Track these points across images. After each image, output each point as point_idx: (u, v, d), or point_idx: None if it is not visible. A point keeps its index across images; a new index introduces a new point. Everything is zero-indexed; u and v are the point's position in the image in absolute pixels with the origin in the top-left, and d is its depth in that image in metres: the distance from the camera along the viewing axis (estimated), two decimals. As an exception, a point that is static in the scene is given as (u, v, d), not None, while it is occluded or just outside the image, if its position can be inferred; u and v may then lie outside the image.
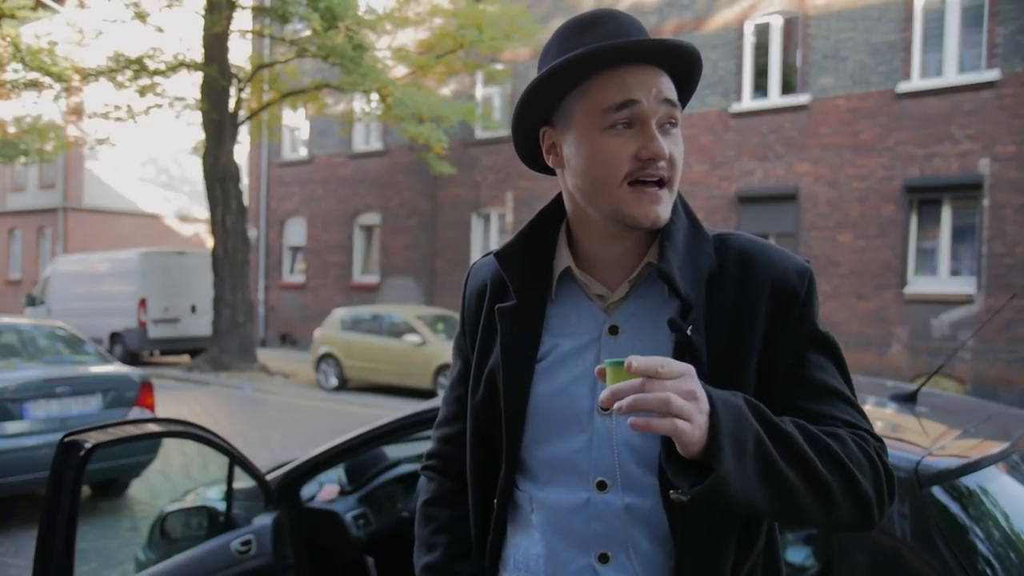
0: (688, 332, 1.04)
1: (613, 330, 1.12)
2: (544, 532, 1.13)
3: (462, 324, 1.29)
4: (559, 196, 1.21)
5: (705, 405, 0.90)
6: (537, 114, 1.14)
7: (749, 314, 1.07)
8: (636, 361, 0.88)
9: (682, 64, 1.08)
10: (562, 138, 1.12)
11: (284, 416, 10.33)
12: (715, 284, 1.10)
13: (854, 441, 1.02)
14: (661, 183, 1.06)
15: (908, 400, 2.22)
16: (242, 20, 15.61)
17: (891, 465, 1.05)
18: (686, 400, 0.88)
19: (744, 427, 0.92)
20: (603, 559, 1.08)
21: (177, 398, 11.27)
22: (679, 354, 1.04)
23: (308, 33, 13.57)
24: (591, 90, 1.06)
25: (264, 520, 2.61)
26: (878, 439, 1.05)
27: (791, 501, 0.96)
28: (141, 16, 13.82)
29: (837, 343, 1.12)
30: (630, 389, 0.87)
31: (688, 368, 0.92)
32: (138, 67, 13.87)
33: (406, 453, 3.46)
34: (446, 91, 15.37)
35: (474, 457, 1.22)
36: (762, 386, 1.08)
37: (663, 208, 1.07)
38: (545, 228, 1.21)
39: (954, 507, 1.61)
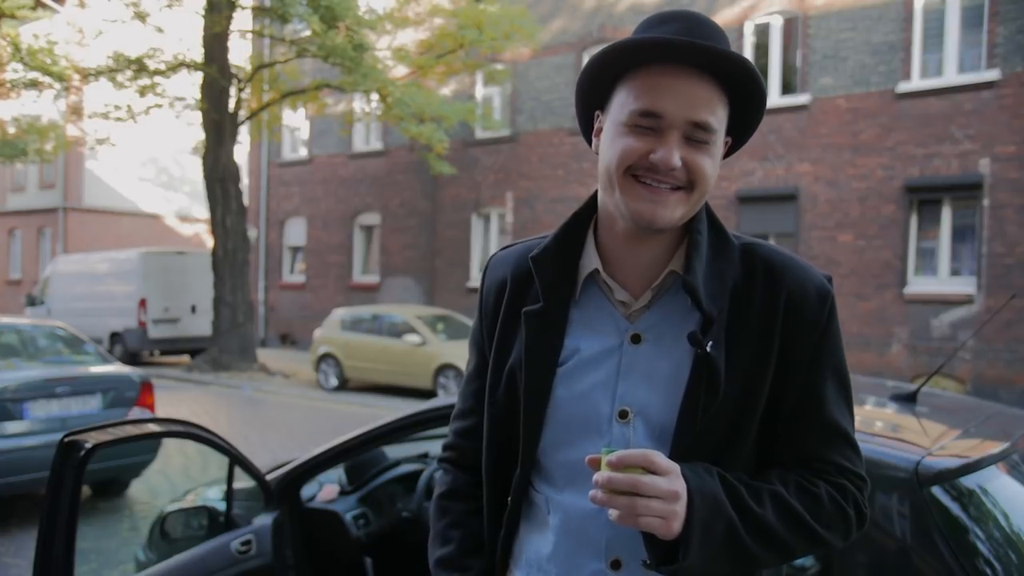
0: (708, 348, 1.04)
1: (635, 339, 1.11)
2: (558, 534, 1.13)
3: (480, 318, 1.27)
4: (593, 196, 1.20)
5: (683, 508, 0.96)
6: (594, 98, 1.13)
7: (770, 331, 1.08)
8: (617, 458, 0.94)
9: (735, 78, 1.03)
10: (604, 124, 1.12)
11: (284, 416, 10.33)
12: (740, 297, 1.09)
13: (831, 497, 1.07)
14: (673, 188, 1.04)
15: (908, 400, 2.21)
16: (242, 20, 15.60)
17: (864, 504, 1.12)
18: (668, 500, 0.95)
19: (717, 516, 0.99)
20: (615, 565, 1.09)
21: (177, 398, 11.27)
22: (698, 369, 1.05)
23: (308, 33, 13.56)
24: (632, 83, 1.05)
25: (264, 520, 2.62)
26: (863, 479, 1.13)
27: (753, 565, 1.06)
28: (141, 16, 13.82)
29: (848, 371, 1.14)
30: (623, 484, 0.94)
31: (673, 467, 0.97)
32: (138, 67, 13.87)
33: (406, 453, 3.46)
34: (446, 91, 15.36)
35: (490, 454, 1.22)
36: (771, 405, 1.09)
37: (666, 210, 1.05)
38: (576, 229, 1.20)
39: (954, 507, 1.60)
